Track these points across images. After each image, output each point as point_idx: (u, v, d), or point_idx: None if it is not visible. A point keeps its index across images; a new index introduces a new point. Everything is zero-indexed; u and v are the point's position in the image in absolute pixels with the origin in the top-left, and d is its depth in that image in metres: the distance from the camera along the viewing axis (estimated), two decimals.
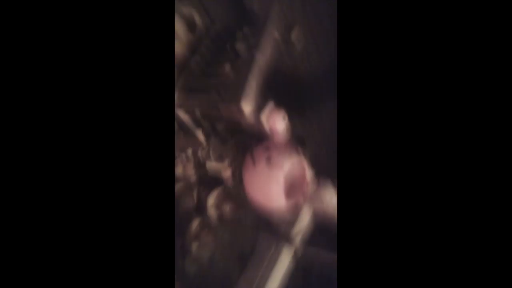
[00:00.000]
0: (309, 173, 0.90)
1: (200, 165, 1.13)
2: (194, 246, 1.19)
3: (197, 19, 1.32)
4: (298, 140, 1.06)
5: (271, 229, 1.05)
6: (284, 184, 0.80)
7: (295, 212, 1.04)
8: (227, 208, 1.16)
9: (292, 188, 0.87)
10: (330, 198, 0.93)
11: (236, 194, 1.25)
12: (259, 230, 1.07)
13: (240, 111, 0.89)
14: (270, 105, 0.89)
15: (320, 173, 0.97)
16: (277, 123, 0.89)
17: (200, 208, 1.20)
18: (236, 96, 0.89)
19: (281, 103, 0.91)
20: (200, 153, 1.09)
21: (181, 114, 1.22)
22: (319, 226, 1.17)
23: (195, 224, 1.18)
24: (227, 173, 1.00)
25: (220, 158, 1.02)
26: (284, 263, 1.02)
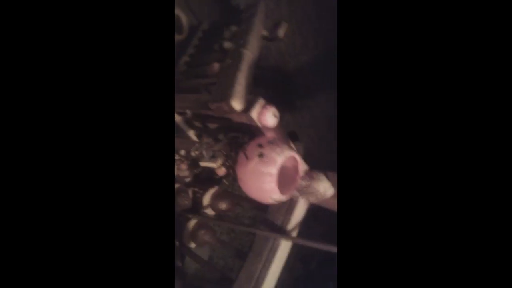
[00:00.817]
0: (302, 167, 0.91)
1: (194, 165, 1.13)
2: (192, 246, 1.20)
3: (184, 20, 1.32)
4: (290, 135, 1.07)
5: (267, 224, 1.06)
6: (278, 179, 0.81)
7: (291, 206, 1.05)
8: (223, 206, 1.17)
9: (286, 183, 0.88)
10: (324, 191, 0.94)
11: (232, 191, 1.26)
12: (256, 225, 1.08)
13: (231, 110, 0.90)
14: (260, 102, 0.90)
15: (313, 166, 0.98)
16: (268, 119, 0.90)
17: (196, 208, 1.21)
18: (226, 95, 0.89)
19: (271, 100, 0.92)
20: (193, 153, 1.09)
21: None
22: (314, 218, 1.19)
23: (192, 224, 1.18)
24: (221, 172, 1.01)
25: (213, 157, 1.03)
26: (282, 257, 1.03)
